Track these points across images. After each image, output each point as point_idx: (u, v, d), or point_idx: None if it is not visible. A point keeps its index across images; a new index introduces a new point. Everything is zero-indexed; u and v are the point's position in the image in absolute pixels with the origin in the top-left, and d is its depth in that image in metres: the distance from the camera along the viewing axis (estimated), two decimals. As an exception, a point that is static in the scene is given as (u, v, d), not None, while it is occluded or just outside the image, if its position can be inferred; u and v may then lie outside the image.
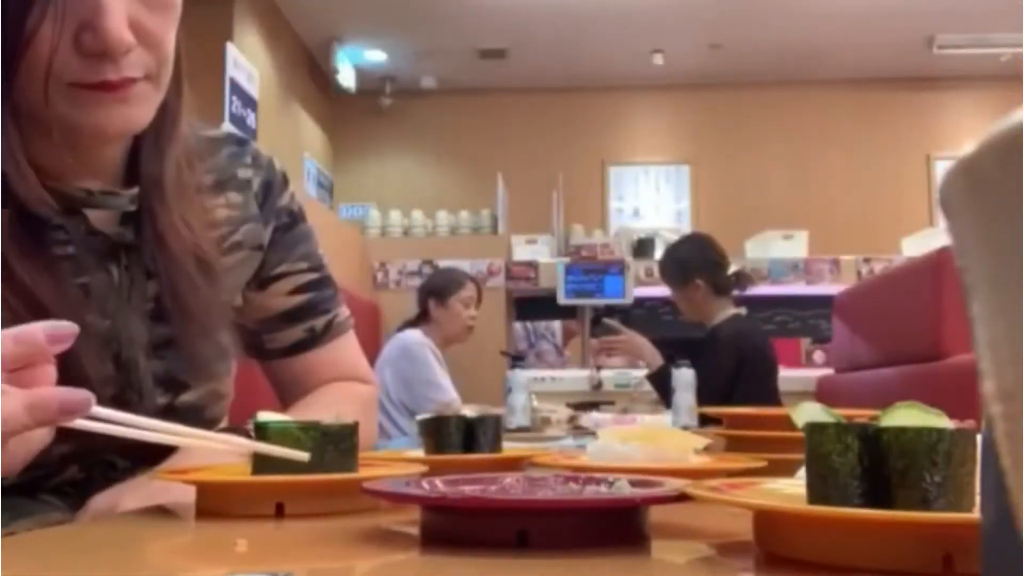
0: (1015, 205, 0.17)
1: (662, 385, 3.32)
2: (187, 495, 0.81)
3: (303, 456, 0.71)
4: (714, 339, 3.35)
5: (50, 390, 0.59)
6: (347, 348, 1.14)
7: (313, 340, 1.10)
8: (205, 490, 0.74)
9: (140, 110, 0.82)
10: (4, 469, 0.61)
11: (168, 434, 0.72)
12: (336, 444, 0.73)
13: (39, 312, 0.77)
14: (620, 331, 3.55)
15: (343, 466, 0.72)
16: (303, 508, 0.69)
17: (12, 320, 0.77)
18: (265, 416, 0.76)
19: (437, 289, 3.91)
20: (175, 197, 0.90)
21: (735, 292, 3.42)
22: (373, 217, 5.98)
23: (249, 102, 4.31)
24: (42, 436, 0.64)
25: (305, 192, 6.64)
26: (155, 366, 0.92)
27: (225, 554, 0.61)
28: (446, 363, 4.01)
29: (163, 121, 0.89)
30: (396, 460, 0.89)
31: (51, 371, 0.61)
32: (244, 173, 1.03)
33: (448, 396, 3.50)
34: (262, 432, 0.73)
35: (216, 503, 0.72)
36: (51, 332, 0.60)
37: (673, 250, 3.59)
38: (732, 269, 3.45)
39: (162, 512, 0.77)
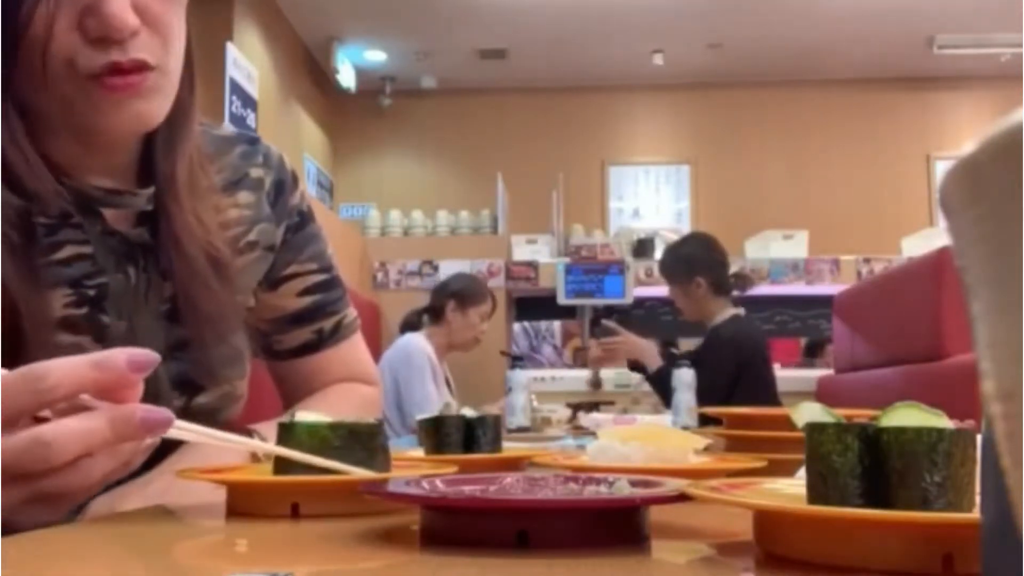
0: (1015, 205, 0.17)
1: (662, 386, 3.32)
2: (189, 496, 0.81)
3: (338, 465, 0.71)
4: (714, 339, 3.35)
5: (133, 408, 0.62)
6: (354, 349, 1.14)
7: (321, 342, 1.09)
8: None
9: (153, 105, 0.81)
10: (88, 480, 0.63)
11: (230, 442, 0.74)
12: (364, 443, 0.72)
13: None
14: (619, 332, 3.54)
15: (369, 465, 0.72)
16: (318, 509, 0.69)
17: None
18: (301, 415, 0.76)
19: (461, 294, 3.83)
20: (190, 196, 0.90)
21: (735, 293, 3.42)
22: (373, 217, 5.98)
23: (249, 102, 4.31)
24: (133, 451, 0.65)
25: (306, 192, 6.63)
26: (171, 368, 0.91)
27: (226, 554, 0.61)
28: (447, 364, 4.00)
29: (176, 117, 0.89)
30: (424, 461, 0.88)
31: (136, 392, 0.63)
32: (256, 172, 1.02)
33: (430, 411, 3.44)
34: (287, 430, 0.73)
35: (231, 503, 0.72)
36: (132, 359, 0.61)
37: (675, 248, 3.59)
38: (733, 269, 3.45)
39: (164, 512, 0.76)
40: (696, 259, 3.38)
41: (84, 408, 0.61)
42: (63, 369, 0.60)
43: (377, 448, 0.73)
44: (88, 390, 0.61)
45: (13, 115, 0.79)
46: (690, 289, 3.38)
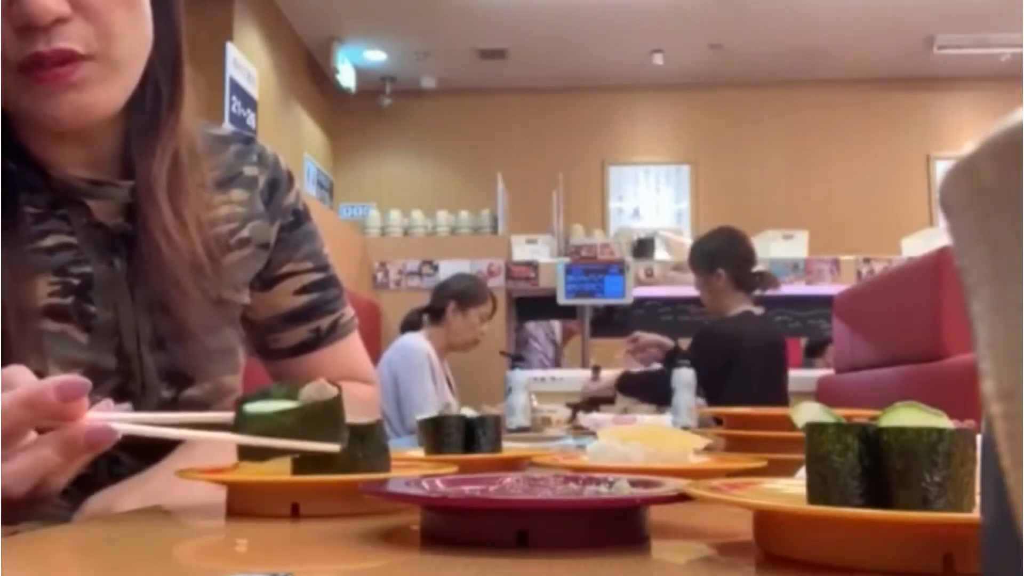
0: (1015, 205, 0.17)
1: (632, 390, 3.40)
2: (187, 496, 0.81)
3: (332, 448, 0.69)
4: (704, 334, 3.38)
5: (77, 428, 0.64)
6: (351, 349, 1.14)
7: (318, 341, 1.09)
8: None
9: (93, 96, 0.80)
10: (49, 496, 0.68)
11: (191, 429, 0.74)
12: (320, 421, 0.70)
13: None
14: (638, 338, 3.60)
15: (331, 438, 0.70)
16: (318, 509, 0.69)
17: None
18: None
19: (462, 295, 3.82)
20: (170, 196, 0.89)
21: (757, 292, 3.44)
22: (373, 217, 5.98)
23: (249, 102, 4.31)
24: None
25: (305, 192, 6.64)
26: (160, 359, 0.91)
27: (225, 554, 0.61)
28: (447, 364, 3.99)
29: (152, 114, 0.88)
30: (424, 461, 0.88)
31: (80, 409, 0.65)
32: (250, 171, 1.02)
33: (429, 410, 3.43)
34: (240, 419, 0.71)
35: (231, 503, 0.72)
36: (61, 390, 0.62)
37: (702, 240, 3.62)
38: (758, 268, 3.46)
39: (164, 512, 0.76)
40: (719, 252, 3.41)
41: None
42: None
43: (338, 423, 0.71)
44: (26, 428, 0.64)
45: None
46: (710, 280, 3.40)
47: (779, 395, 3.34)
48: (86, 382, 0.63)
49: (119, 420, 0.67)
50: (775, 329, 3.78)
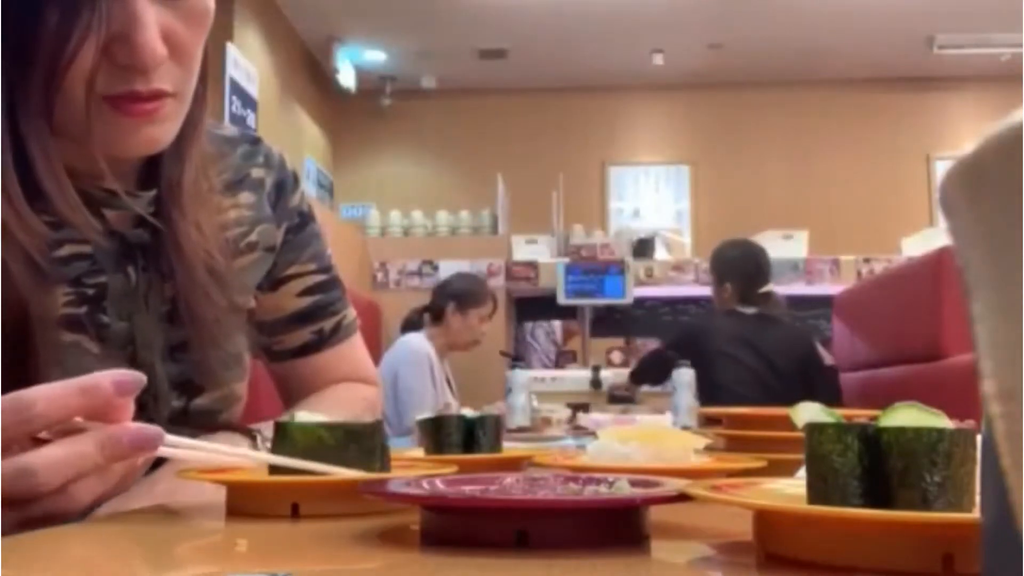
0: (1015, 204, 0.17)
1: (645, 376, 3.52)
2: (196, 496, 0.81)
3: (333, 469, 0.70)
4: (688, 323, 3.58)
5: (122, 428, 0.62)
6: (353, 350, 1.14)
7: (321, 342, 1.09)
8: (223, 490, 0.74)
9: (165, 129, 0.82)
10: (79, 503, 0.64)
11: (229, 455, 0.74)
12: (360, 443, 0.72)
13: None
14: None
15: (366, 466, 0.72)
16: (318, 509, 0.69)
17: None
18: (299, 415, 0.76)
19: (462, 295, 3.82)
20: (191, 201, 0.90)
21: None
22: (373, 217, 5.98)
23: (249, 102, 4.30)
24: (125, 471, 0.67)
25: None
26: (171, 369, 0.91)
27: (225, 554, 0.61)
28: (448, 365, 3.99)
29: (186, 128, 0.89)
30: (424, 461, 0.88)
31: (127, 411, 0.64)
32: (257, 173, 1.02)
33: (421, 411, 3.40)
34: (282, 431, 0.73)
35: (231, 503, 0.72)
36: (118, 382, 0.62)
37: (722, 247, 3.76)
38: (768, 288, 3.57)
39: (165, 512, 0.76)
40: (730, 266, 3.58)
41: (76, 428, 0.62)
42: (50, 396, 0.60)
43: (374, 448, 0.73)
44: (75, 416, 0.62)
45: (50, 140, 0.79)
46: (719, 291, 3.59)
47: (723, 393, 3.27)
48: (141, 377, 0.63)
49: (192, 446, 0.69)
50: (721, 327, 3.56)
